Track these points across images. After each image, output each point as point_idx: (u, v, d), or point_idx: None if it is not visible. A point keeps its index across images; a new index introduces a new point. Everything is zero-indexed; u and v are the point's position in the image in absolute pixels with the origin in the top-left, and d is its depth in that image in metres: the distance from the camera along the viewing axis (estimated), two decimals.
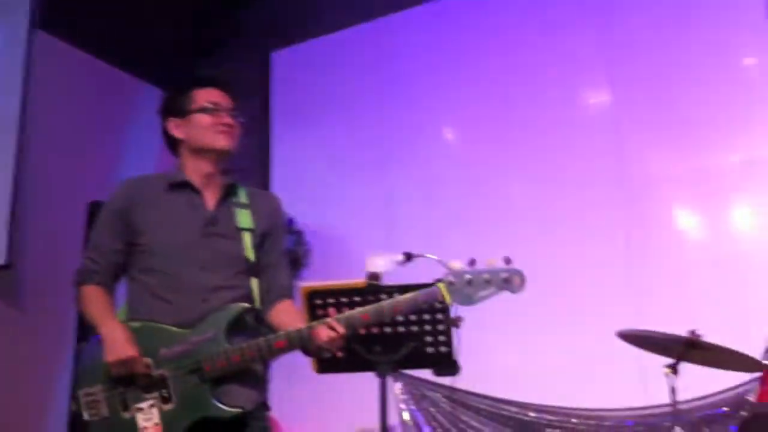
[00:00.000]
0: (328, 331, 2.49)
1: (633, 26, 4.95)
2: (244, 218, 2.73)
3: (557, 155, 4.97)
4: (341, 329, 2.49)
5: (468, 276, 2.47)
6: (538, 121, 5.09)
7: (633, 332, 3.38)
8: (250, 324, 2.64)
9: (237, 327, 2.57)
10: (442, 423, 4.79)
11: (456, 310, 3.36)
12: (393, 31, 5.77)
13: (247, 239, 2.70)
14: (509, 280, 2.46)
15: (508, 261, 2.48)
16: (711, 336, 3.32)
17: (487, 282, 2.47)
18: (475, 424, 4.70)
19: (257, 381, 2.65)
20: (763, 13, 4.54)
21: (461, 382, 4.57)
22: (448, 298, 2.48)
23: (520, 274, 2.46)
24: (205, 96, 2.76)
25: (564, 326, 4.63)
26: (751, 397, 2.95)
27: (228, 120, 2.75)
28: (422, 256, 3.35)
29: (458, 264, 2.50)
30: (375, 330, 3.25)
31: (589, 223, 4.79)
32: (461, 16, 5.53)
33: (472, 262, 2.49)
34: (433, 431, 4.81)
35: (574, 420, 4.50)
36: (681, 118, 4.72)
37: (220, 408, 2.49)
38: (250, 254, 2.69)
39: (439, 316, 3.31)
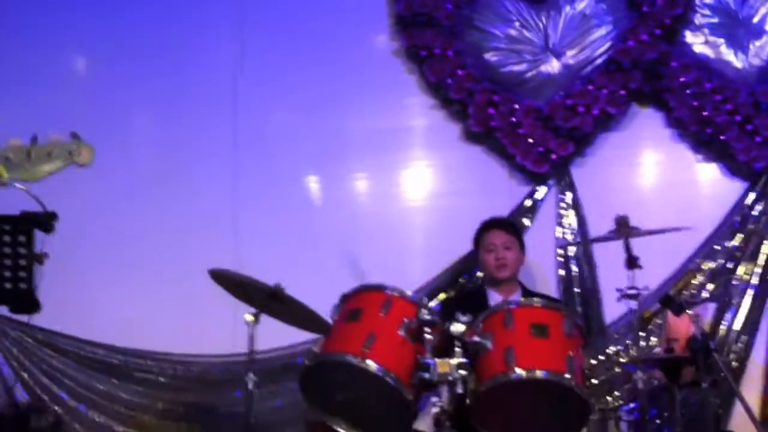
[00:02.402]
0: None
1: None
2: None
3: (175, 103, 4.93)
4: None
5: (27, 150, 2.42)
6: (164, 70, 4.97)
7: (224, 273, 3.44)
8: None
9: None
10: (24, 364, 4.55)
11: (41, 245, 3.18)
12: None
13: None
14: (75, 152, 2.43)
15: (75, 135, 2.44)
16: (299, 292, 3.47)
17: (50, 155, 2.41)
18: (59, 365, 4.53)
19: None
20: None
21: (47, 322, 4.43)
22: (4, 174, 2.41)
23: (87, 146, 2.42)
24: None
25: (159, 269, 4.64)
26: (316, 348, 3.18)
27: None
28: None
29: (17, 141, 2.43)
30: None
31: (200, 169, 4.82)
32: None
33: (34, 139, 2.44)
34: (14, 372, 4.55)
35: (164, 365, 4.53)
36: (307, 84, 4.89)
37: None
38: None
39: (22, 250, 3.10)
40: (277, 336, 4.01)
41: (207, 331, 4.50)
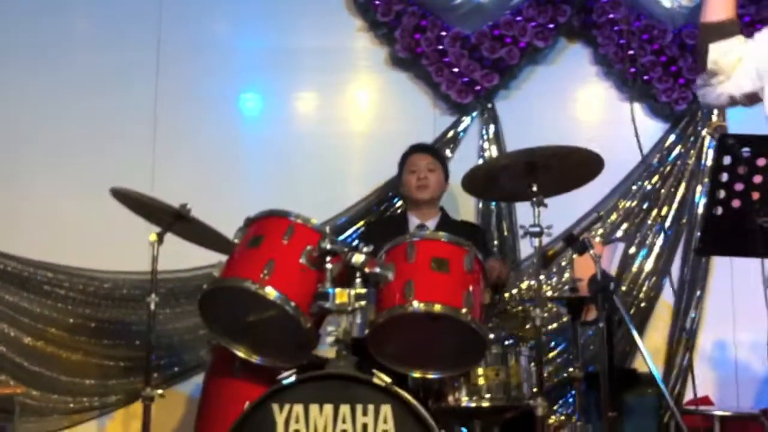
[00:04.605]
0: None
1: None
2: None
3: None
4: None
5: None
6: None
7: (125, 192, 3.35)
8: None
9: None
10: None
11: None
12: None
13: None
14: None
15: None
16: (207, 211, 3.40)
17: None
18: None
19: None
20: None
21: None
22: None
23: None
24: None
25: (74, 179, 4.51)
26: (216, 272, 3.13)
27: None
28: None
29: None
30: None
31: (119, 74, 4.62)
32: None
33: None
34: None
35: (75, 280, 4.44)
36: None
37: None
38: None
39: None
40: (201, 256, 3.93)
41: (124, 247, 4.40)
